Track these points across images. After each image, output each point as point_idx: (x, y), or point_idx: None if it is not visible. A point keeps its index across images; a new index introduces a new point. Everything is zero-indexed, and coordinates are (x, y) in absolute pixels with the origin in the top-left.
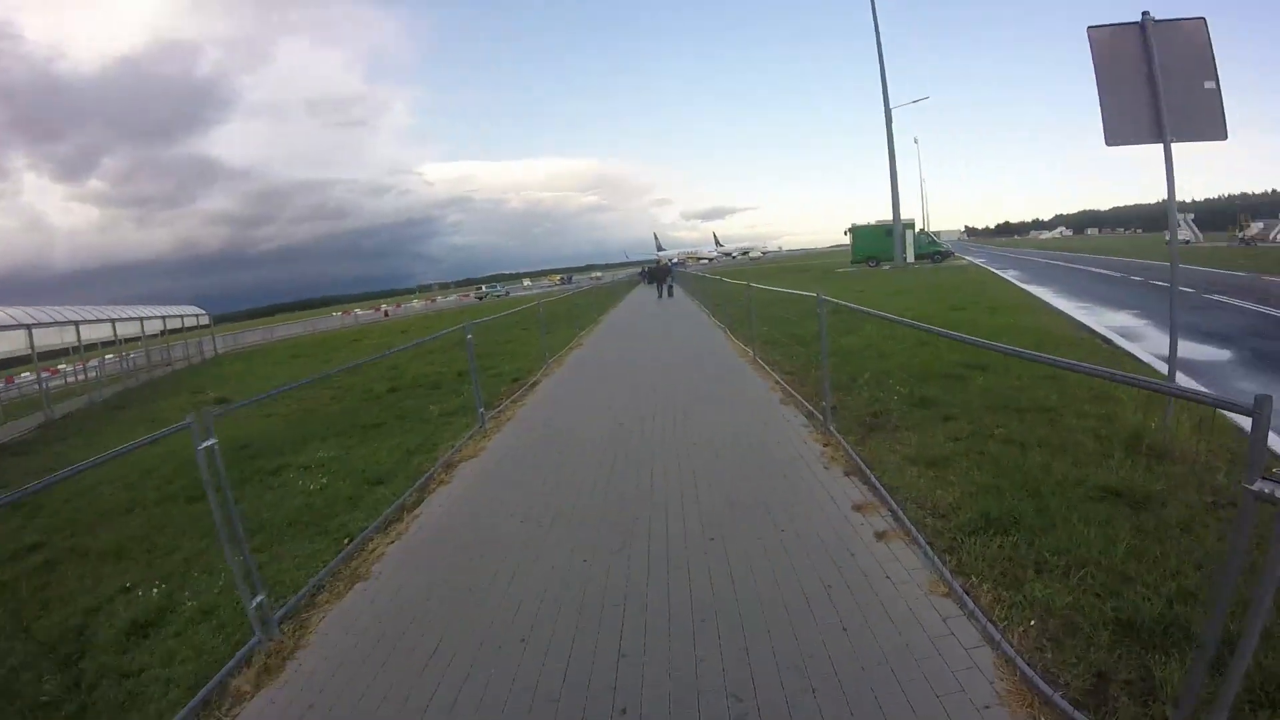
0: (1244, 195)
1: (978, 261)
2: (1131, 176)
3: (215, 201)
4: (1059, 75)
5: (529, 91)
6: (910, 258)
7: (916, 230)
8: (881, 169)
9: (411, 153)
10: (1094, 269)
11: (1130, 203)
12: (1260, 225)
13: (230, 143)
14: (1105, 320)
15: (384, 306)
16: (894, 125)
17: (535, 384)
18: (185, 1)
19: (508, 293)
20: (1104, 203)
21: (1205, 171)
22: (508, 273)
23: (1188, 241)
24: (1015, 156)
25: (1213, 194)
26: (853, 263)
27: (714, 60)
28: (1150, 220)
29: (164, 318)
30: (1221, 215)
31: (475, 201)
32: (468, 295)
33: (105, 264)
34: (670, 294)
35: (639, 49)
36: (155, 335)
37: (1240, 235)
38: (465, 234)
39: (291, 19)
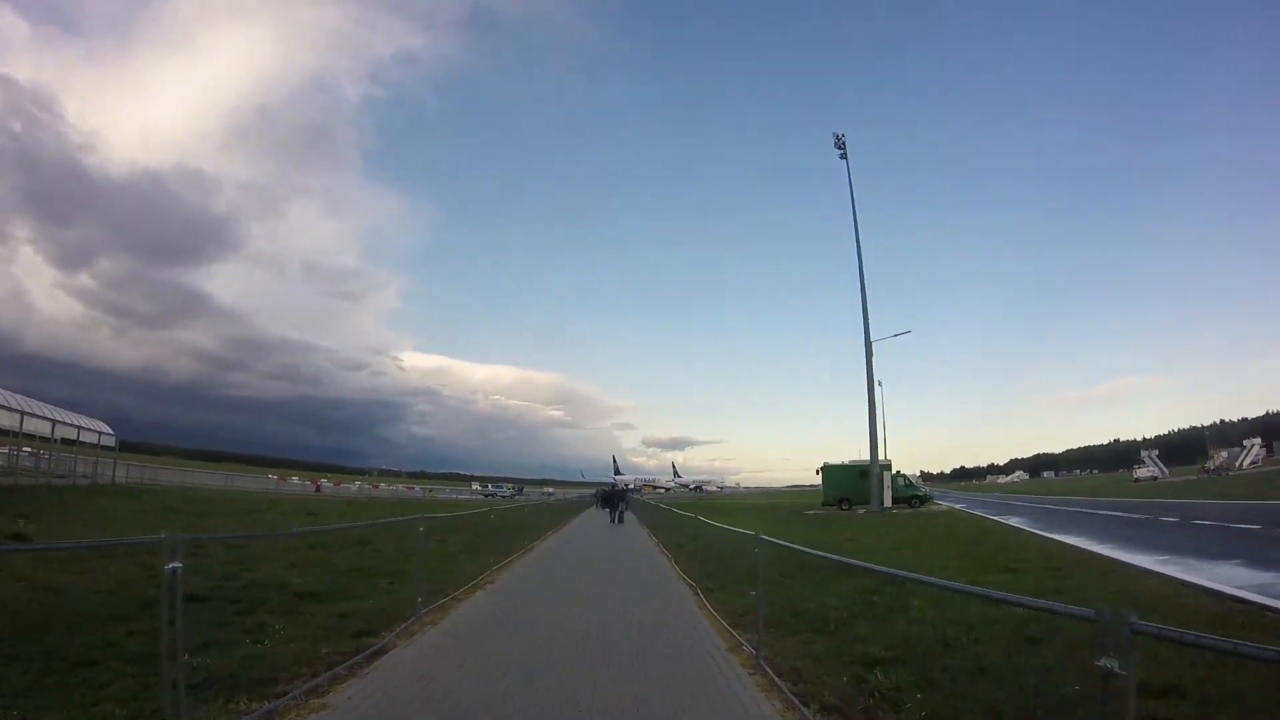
0: (1194, 428)
1: (958, 507)
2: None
3: (195, 335)
4: (1005, 320)
5: (510, 297)
6: (887, 501)
7: (893, 472)
8: (845, 408)
9: (392, 336)
10: (1096, 511)
11: (1081, 444)
12: (1225, 455)
13: (224, 283)
14: (1212, 575)
15: (321, 481)
16: (868, 361)
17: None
18: (219, 138)
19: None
20: (1056, 446)
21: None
22: (462, 472)
23: (1155, 478)
24: (967, 403)
25: (1164, 429)
26: (823, 504)
27: (690, 296)
28: (1103, 461)
29: (57, 423)
30: (1176, 450)
31: (443, 396)
32: (413, 488)
33: (72, 360)
34: (621, 520)
35: (620, 271)
36: (49, 439)
37: (1208, 466)
38: (429, 426)
39: (307, 183)
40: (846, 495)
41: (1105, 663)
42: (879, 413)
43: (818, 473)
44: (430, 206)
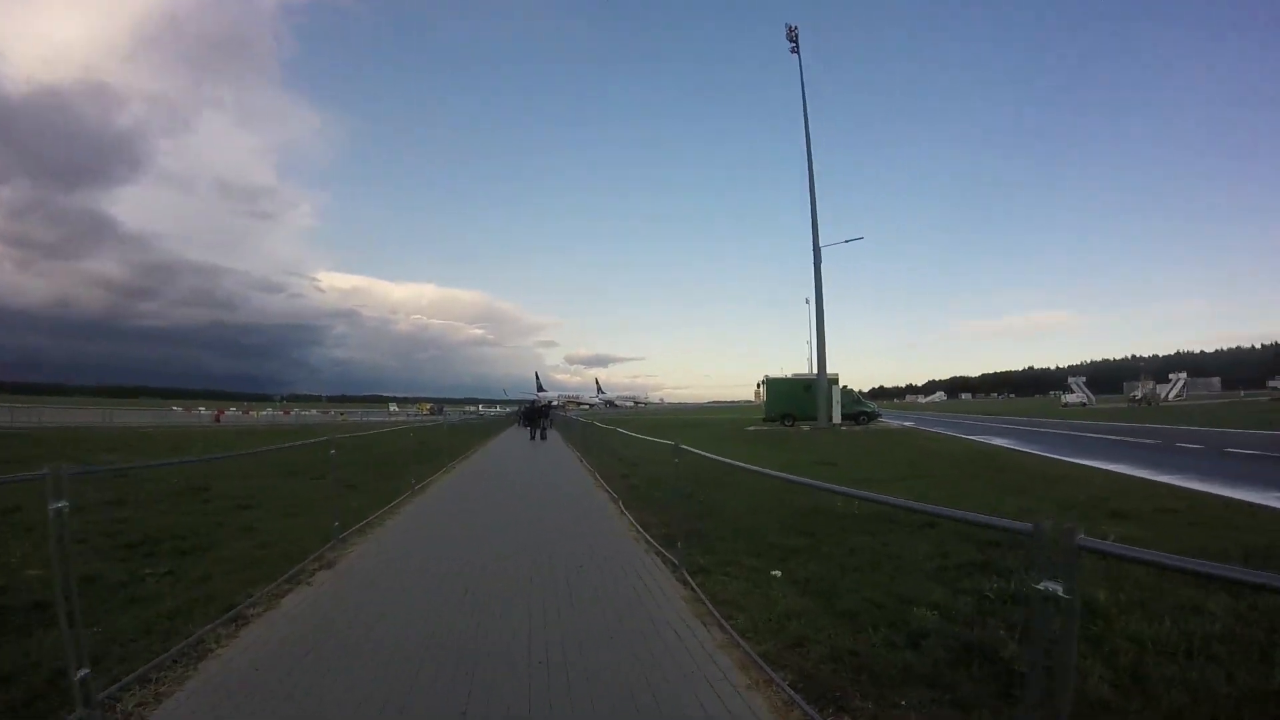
0: (1107, 361)
1: (907, 424)
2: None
3: (103, 264)
4: (923, 248)
5: (431, 215)
6: (836, 418)
7: (840, 386)
8: (768, 326)
9: (310, 256)
10: (1081, 433)
11: (995, 369)
12: (1152, 385)
13: (132, 205)
14: None
15: (229, 410)
16: (816, 268)
17: None
18: (125, 48)
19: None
20: (971, 370)
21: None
22: (384, 395)
23: (1083, 404)
24: (884, 326)
25: (1075, 361)
26: (764, 420)
27: (613, 211)
28: (1018, 386)
29: None
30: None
31: (363, 317)
32: (328, 412)
33: None
34: (544, 437)
35: (540, 190)
36: None
37: (1136, 395)
38: (349, 348)
39: (219, 95)
40: (790, 411)
41: (1046, 585)
42: (808, 331)
43: (759, 386)
44: (349, 119)
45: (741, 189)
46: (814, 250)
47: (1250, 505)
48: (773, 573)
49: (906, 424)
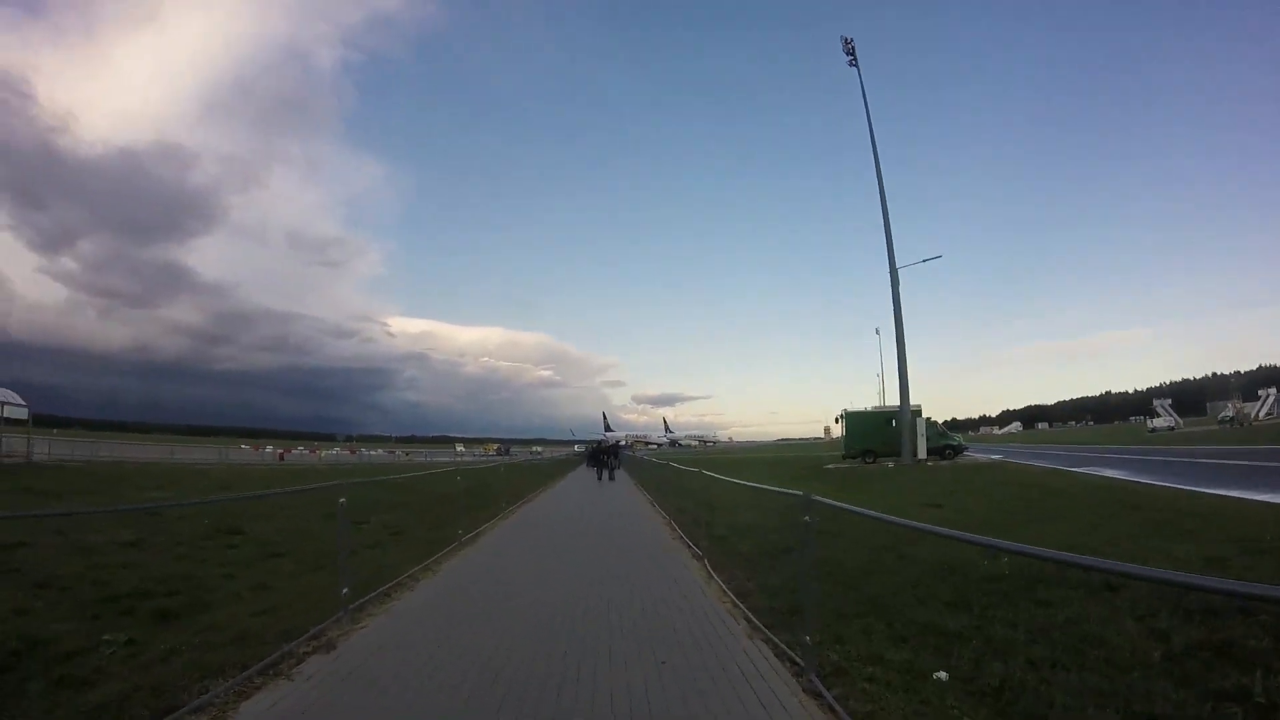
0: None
1: (995, 457)
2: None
3: (180, 312)
4: (993, 272)
5: (496, 259)
6: (921, 453)
7: (924, 418)
8: (836, 362)
9: (378, 302)
10: (1162, 458)
11: (1072, 396)
12: (1241, 404)
13: (206, 257)
14: None
15: (297, 448)
16: (894, 290)
17: None
18: (195, 111)
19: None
20: (1047, 397)
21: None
22: (453, 435)
23: (1171, 428)
24: (956, 354)
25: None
26: (844, 457)
27: (676, 252)
28: (1096, 412)
29: None
30: (1182, 401)
31: (432, 360)
32: (394, 451)
33: (58, 345)
34: (611, 478)
35: (605, 228)
36: None
37: (1225, 415)
38: (419, 391)
39: (288, 150)
40: (871, 446)
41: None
42: (879, 362)
43: (836, 420)
44: (411, 170)
45: (799, 220)
46: (890, 272)
47: None
48: (936, 675)
49: (994, 457)
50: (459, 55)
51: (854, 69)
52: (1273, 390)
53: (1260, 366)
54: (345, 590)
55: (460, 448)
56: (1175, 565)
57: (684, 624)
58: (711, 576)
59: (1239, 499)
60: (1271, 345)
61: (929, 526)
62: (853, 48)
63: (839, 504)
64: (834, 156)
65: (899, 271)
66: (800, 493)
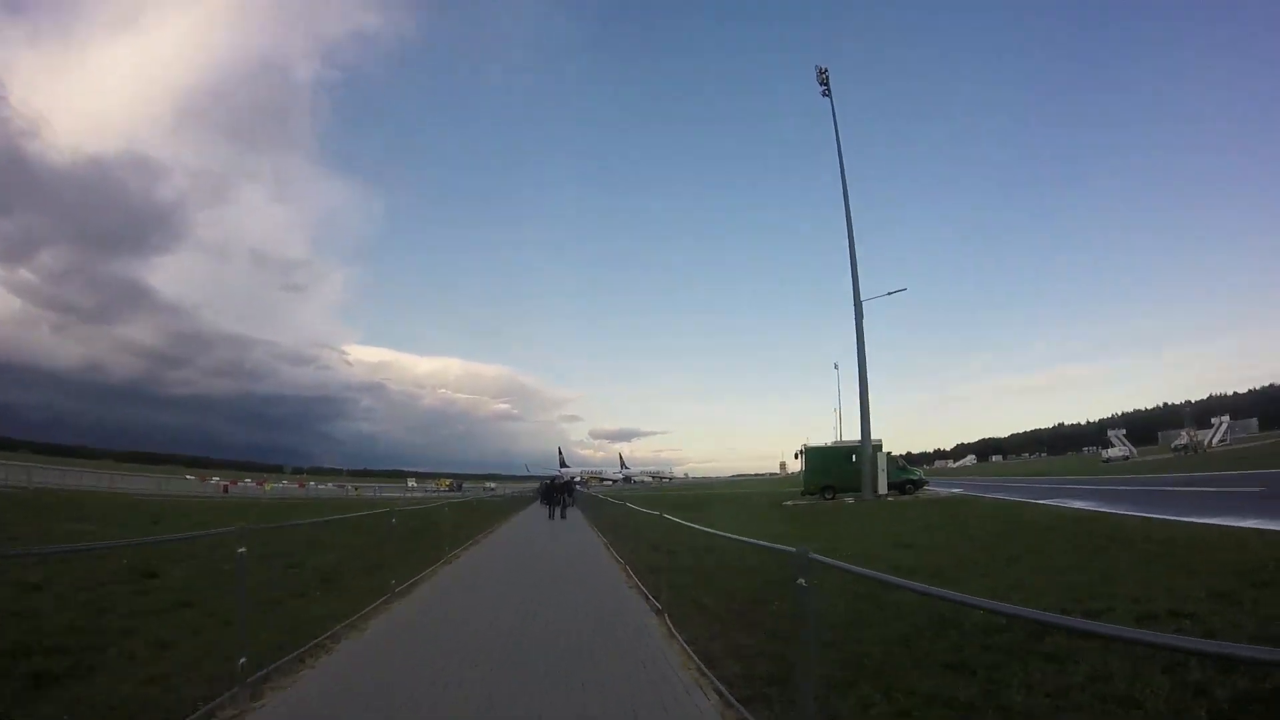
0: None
1: (956, 490)
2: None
3: (137, 331)
4: (946, 308)
5: (459, 288)
6: (882, 488)
7: (885, 453)
8: (792, 398)
9: (339, 329)
10: (1126, 488)
11: (1024, 429)
12: (1195, 432)
13: (168, 274)
14: None
15: (244, 480)
16: (858, 323)
17: None
18: (168, 121)
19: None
20: (1000, 431)
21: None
22: (407, 469)
23: (1126, 457)
24: (908, 389)
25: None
26: (803, 493)
27: (638, 286)
28: (1049, 445)
29: None
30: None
31: (389, 390)
32: (344, 486)
33: (8, 360)
34: (564, 516)
35: (568, 261)
36: None
37: (1178, 444)
38: (375, 422)
39: (260, 166)
40: (831, 482)
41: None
42: (836, 397)
43: (796, 455)
44: (380, 194)
45: (761, 253)
46: (855, 305)
47: None
48: None
49: (955, 491)
50: (436, 78)
51: (827, 99)
52: (1226, 418)
53: (1210, 396)
54: (243, 661)
55: (412, 482)
56: (1183, 603)
57: (644, 703)
58: (673, 635)
59: (1219, 526)
60: (1219, 376)
61: (978, 600)
62: (827, 77)
63: (846, 565)
64: (800, 190)
65: (862, 304)
66: (794, 549)
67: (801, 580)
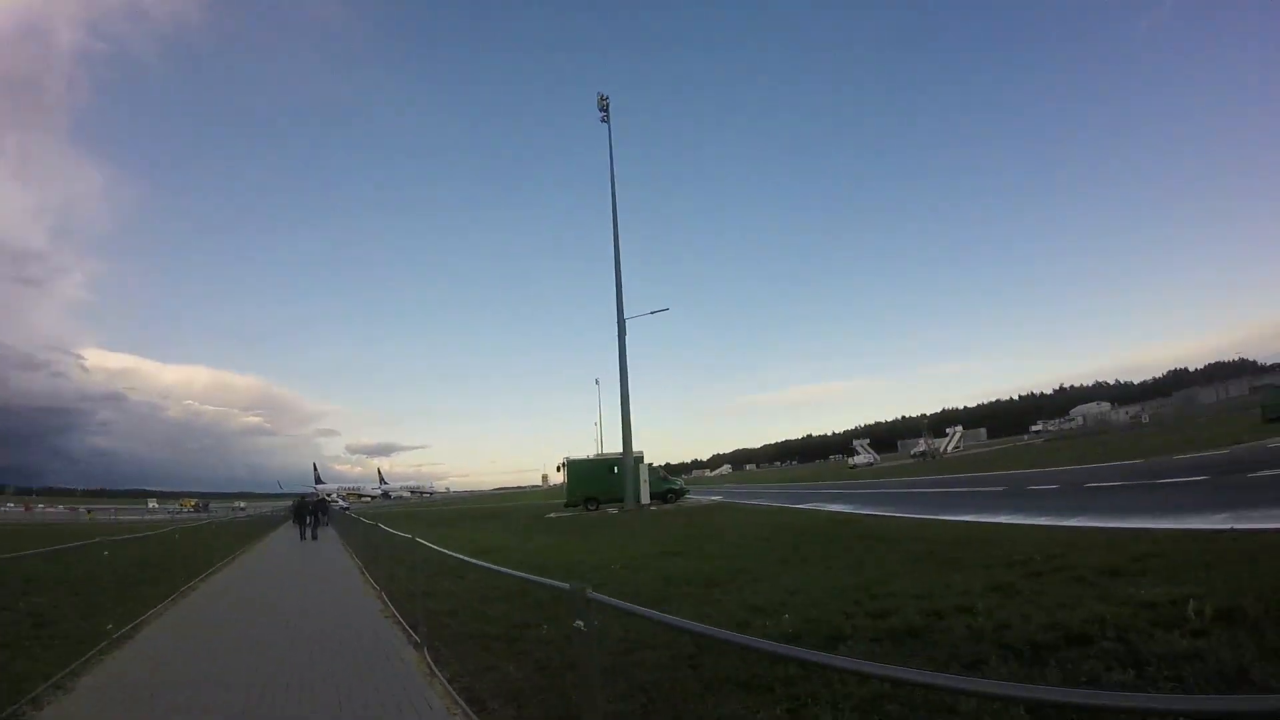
0: (878, 423)
1: (715, 498)
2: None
3: None
4: (701, 330)
5: (211, 292)
6: (645, 497)
7: (647, 464)
8: (554, 413)
9: (78, 331)
10: (911, 490)
11: (775, 440)
12: (933, 440)
13: None
14: None
15: None
16: (621, 340)
17: None
18: None
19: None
20: (753, 442)
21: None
22: (149, 489)
23: (870, 463)
24: (664, 405)
25: (849, 425)
26: (566, 505)
27: (397, 297)
28: (799, 454)
29: None
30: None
31: (131, 401)
32: (76, 509)
33: None
34: (315, 537)
35: (327, 268)
36: None
37: (918, 450)
38: (113, 437)
39: (2, 140)
40: (594, 494)
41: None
42: (598, 412)
43: (558, 469)
44: (134, 183)
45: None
46: (619, 323)
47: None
48: None
49: (715, 498)
50: (210, 64)
51: (605, 125)
52: (959, 428)
53: (943, 410)
54: None
55: (154, 503)
56: (965, 598)
57: None
58: (434, 674)
59: (972, 522)
60: (947, 392)
61: (774, 646)
62: (607, 104)
63: (628, 606)
64: (573, 215)
65: (626, 322)
66: (568, 585)
67: (580, 623)
